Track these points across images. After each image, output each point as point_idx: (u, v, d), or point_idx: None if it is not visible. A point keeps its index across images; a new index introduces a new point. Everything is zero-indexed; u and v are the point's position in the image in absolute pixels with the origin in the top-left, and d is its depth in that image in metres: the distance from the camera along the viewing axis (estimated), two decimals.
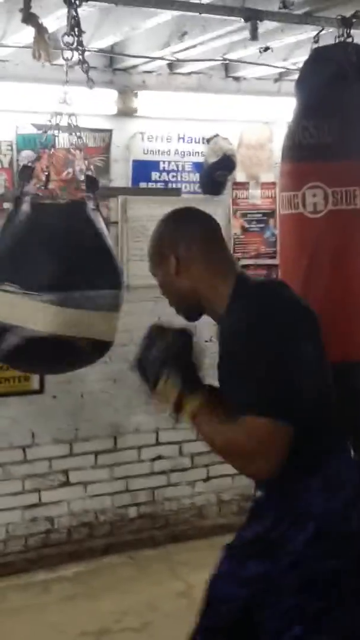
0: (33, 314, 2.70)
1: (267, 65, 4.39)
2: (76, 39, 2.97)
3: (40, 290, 2.72)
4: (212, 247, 2.30)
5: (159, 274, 2.32)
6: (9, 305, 2.74)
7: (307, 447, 2.12)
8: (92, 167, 3.30)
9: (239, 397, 2.11)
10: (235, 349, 2.12)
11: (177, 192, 4.73)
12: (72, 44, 2.99)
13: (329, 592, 2.16)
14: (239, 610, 2.29)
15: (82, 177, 3.17)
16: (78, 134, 3.14)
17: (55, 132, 3.10)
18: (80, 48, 2.99)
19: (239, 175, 4.90)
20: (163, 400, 2.29)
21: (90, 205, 2.97)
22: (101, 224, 2.98)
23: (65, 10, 2.96)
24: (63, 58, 3.02)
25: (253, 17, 3.25)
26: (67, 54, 3.00)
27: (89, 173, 3.16)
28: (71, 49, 2.99)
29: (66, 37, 2.98)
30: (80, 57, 3.01)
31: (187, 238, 2.26)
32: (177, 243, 2.26)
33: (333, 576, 2.16)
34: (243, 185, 4.94)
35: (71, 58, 3.01)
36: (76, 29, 2.96)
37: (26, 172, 3.11)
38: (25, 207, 2.90)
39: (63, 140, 4.26)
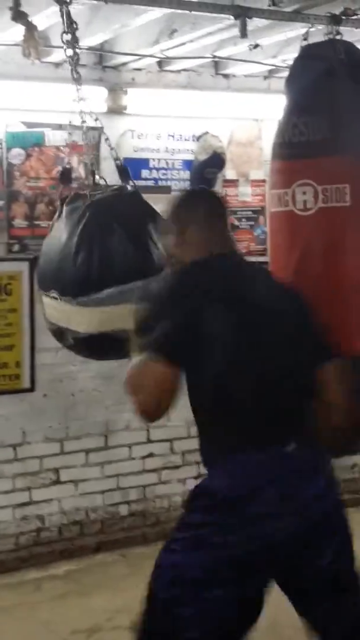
0: (73, 317, 2.89)
1: (257, 62, 4.41)
2: (70, 35, 2.98)
3: (74, 293, 2.86)
4: (208, 227, 2.60)
5: (165, 239, 2.69)
6: (56, 310, 2.94)
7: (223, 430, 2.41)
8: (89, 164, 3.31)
9: None
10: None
11: (167, 189, 4.73)
12: (68, 40, 2.99)
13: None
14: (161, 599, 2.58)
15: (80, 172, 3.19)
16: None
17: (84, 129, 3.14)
18: (75, 45, 3.00)
19: (229, 173, 4.91)
20: None
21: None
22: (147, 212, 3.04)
23: (55, 8, 2.97)
24: (66, 56, 3.02)
25: (242, 14, 3.26)
26: (67, 51, 3.01)
27: (119, 162, 3.24)
28: (67, 47, 3.00)
29: (64, 35, 2.98)
30: (72, 53, 3.02)
31: (190, 219, 2.58)
32: (182, 222, 2.58)
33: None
34: (233, 183, 4.95)
35: (73, 57, 3.01)
36: (74, 24, 2.97)
37: (66, 175, 3.23)
38: (63, 211, 3.01)
39: (53, 138, 4.31)
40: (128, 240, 2.85)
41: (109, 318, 2.79)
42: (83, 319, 2.84)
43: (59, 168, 3.54)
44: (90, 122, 3.14)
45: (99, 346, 2.95)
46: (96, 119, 3.15)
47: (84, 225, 2.86)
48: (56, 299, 2.90)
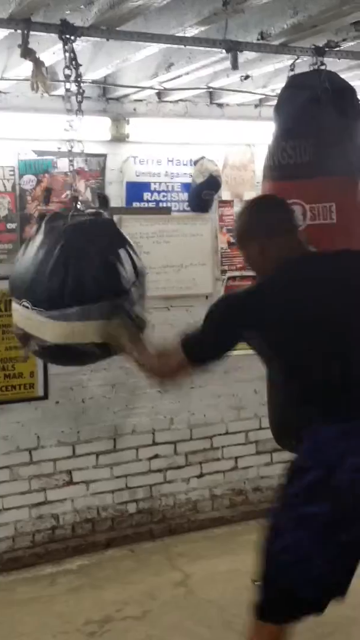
0: (42, 327, 2.89)
1: (248, 92, 4.41)
2: (74, 71, 2.99)
3: (45, 307, 2.85)
4: (280, 235, 2.69)
5: (244, 252, 2.81)
6: (26, 318, 2.93)
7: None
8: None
9: None
10: None
11: (167, 210, 4.74)
12: (71, 76, 3.00)
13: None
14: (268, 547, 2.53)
15: (87, 196, 3.20)
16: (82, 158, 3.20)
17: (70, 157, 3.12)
18: (79, 80, 3.00)
19: (224, 194, 4.91)
20: None
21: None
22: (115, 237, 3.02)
23: (60, 45, 2.97)
24: (65, 90, 3.02)
25: (234, 48, 3.26)
26: (69, 85, 3.01)
27: (99, 192, 3.24)
28: (71, 82, 3.00)
29: (66, 69, 2.99)
30: (77, 88, 3.02)
31: (264, 228, 2.70)
32: (258, 231, 2.71)
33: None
34: (228, 203, 4.95)
35: (78, 90, 3.02)
36: (74, 62, 2.98)
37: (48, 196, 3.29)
38: (41, 227, 2.99)
39: (62, 165, 4.31)
40: (100, 264, 2.85)
41: (74, 332, 2.83)
42: (51, 330, 2.85)
43: (67, 192, 3.52)
44: (94, 149, 3.12)
45: (61, 355, 3.01)
46: (82, 148, 3.11)
47: (61, 246, 2.84)
48: (27, 308, 2.89)
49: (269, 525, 2.51)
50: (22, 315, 2.96)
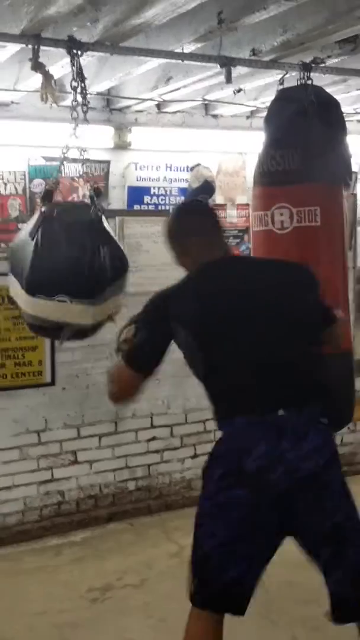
0: (84, 313, 2.95)
1: (240, 104, 4.39)
2: (81, 84, 2.97)
3: (85, 295, 2.93)
4: (200, 236, 2.63)
5: (171, 253, 2.69)
6: (65, 310, 2.94)
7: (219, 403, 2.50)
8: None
9: None
10: None
11: (166, 213, 4.71)
12: (78, 88, 2.98)
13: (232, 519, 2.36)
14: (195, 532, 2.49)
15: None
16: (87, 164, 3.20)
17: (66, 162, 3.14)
18: (84, 92, 2.99)
19: (218, 198, 4.90)
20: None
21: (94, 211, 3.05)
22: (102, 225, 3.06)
23: (68, 59, 2.95)
24: (73, 101, 3.00)
25: (227, 63, 3.25)
26: (75, 97, 2.99)
27: (96, 185, 3.23)
28: (77, 93, 2.99)
29: (73, 82, 2.98)
30: (83, 100, 3.01)
31: (184, 231, 2.64)
32: (178, 235, 2.65)
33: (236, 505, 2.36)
34: (222, 207, 4.93)
35: (82, 102, 3.00)
36: (80, 75, 2.96)
37: (49, 195, 3.18)
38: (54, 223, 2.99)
39: (68, 170, 4.30)
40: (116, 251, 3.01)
41: (105, 311, 3.01)
42: (93, 314, 2.94)
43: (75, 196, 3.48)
44: (99, 156, 3.11)
45: (92, 331, 3.11)
46: (83, 152, 3.10)
47: (93, 239, 2.94)
48: (64, 301, 2.89)
49: (197, 513, 2.48)
50: (58, 308, 2.93)
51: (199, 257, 2.58)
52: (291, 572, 3.11)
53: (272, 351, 2.41)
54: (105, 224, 3.07)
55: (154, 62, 3.37)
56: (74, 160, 3.08)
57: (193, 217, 2.72)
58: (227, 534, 2.36)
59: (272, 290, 2.49)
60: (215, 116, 4.78)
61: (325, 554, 2.37)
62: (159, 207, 4.72)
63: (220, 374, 2.47)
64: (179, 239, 2.65)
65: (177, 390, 4.80)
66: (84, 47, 2.93)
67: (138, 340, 2.50)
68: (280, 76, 3.44)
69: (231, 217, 4.97)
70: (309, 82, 3.32)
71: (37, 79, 3.17)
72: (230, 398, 2.46)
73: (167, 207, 4.73)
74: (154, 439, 4.80)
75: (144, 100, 4.22)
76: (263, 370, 2.41)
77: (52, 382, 4.44)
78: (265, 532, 2.37)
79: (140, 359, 2.52)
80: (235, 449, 2.39)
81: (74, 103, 2.99)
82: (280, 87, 3.41)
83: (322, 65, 3.42)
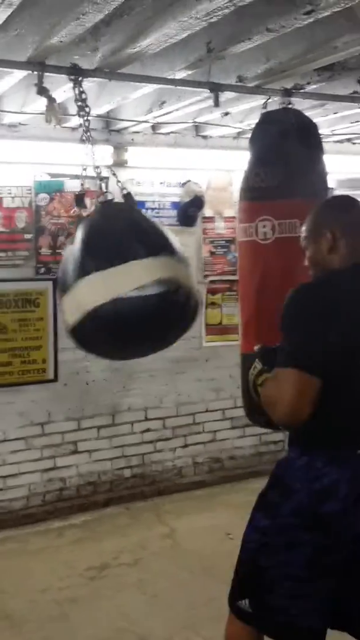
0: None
1: (228, 126, 4.39)
2: (85, 108, 2.96)
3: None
4: (354, 233, 2.13)
5: (310, 249, 2.19)
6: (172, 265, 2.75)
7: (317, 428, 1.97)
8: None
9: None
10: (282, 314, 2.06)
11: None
12: (81, 111, 2.97)
13: (306, 562, 2.00)
14: (253, 551, 2.12)
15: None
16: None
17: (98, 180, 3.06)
18: (86, 114, 2.98)
19: (207, 211, 4.90)
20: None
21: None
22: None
23: (71, 84, 2.94)
24: (79, 124, 2.99)
25: (216, 89, 3.24)
26: (78, 119, 2.98)
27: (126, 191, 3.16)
28: (79, 115, 2.98)
29: (76, 103, 2.96)
30: (84, 121, 2.99)
31: (340, 224, 2.12)
32: (333, 226, 2.11)
33: (311, 549, 1.99)
34: (211, 219, 4.94)
35: (85, 123, 2.99)
36: (82, 99, 2.95)
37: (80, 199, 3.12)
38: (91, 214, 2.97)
39: (71, 185, 4.29)
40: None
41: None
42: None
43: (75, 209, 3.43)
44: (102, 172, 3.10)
45: None
46: (99, 171, 3.07)
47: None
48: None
49: (258, 538, 2.08)
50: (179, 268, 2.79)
51: (352, 257, 2.09)
52: None
53: None
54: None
55: (149, 88, 3.36)
56: (76, 177, 3.05)
57: (354, 211, 2.18)
58: (297, 571, 2.01)
59: None
60: (204, 137, 4.78)
61: None
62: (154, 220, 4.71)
63: (333, 404, 1.98)
64: (343, 230, 2.10)
65: (170, 386, 4.79)
66: (85, 73, 2.92)
67: (301, 334, 1.97)
68: (263, 100, 3.44)
69: (219, 228, 4.98)
70: (290, 106, 3.33)
71: (42, 102, 3.15)
72: (335, 427, 2.00)
73: (161, 220, 4.72)
74: (148, 430, 4.78)
75: (140, 122, 4.21)
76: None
77: (55, 379, 4.42)
78: (333, 575, 2.04)
79: (309, 356, 1.95)
80: (314, 486, 1.98)
81: (83, 128, 2.96)
82: (264, 110, 3.41)
83: (302, 90, 3.42)
